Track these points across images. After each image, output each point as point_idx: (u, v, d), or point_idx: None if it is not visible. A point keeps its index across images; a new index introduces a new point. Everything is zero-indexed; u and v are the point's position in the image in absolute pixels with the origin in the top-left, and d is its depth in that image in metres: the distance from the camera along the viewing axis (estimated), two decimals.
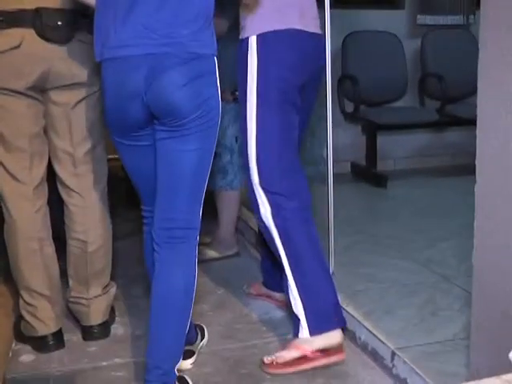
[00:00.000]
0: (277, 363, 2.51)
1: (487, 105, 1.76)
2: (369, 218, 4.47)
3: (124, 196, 4.44)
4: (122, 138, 2.21)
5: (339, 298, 2.63)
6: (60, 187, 2.69)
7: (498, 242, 1.76)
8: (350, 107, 5.51)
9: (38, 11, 2.37)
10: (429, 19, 5.96)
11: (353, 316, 2.73)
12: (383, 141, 5.73)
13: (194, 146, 2.13)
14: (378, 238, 3.81)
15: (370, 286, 3.06)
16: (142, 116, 2.10)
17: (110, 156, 2.79)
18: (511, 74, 1.68)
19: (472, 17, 5.99)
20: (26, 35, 2.38)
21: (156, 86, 2.04)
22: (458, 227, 3.85)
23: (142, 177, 2.30)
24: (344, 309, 2.76)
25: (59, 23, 2.41)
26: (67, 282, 2.79)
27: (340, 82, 5.51)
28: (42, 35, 2.39)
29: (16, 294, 2.77)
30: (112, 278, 2.86)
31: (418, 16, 5.94)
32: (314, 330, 2.52)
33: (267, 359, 2.54)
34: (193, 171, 2.16)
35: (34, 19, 2.37)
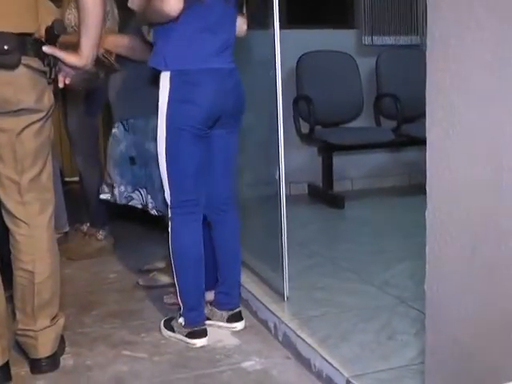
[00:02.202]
0: None
1: (435, 130, 1.74)
2: (325, 239, 4.43)
3: None
4: (204, 131, 2.77)
5: (294, 325, 2.58)
6: (6, 216, 2.60)
7: (449, 268, 1.73)
8: (305, 128, 5.48)
9: None
10: (382, 39, 5.99)
11: (307, 343, 2.66)
12: (340, 161, 5.72)
13: (237, 138, 2.96)
14: (335, 261, 3.76)
15: (325, 311, 3.00)
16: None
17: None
18: (458, 92, 1.65)
19: (422, 37, 6.05)
20: None
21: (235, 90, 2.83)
22: (415, 247, 3.75)
23: (200, 166, 2.82)
24: (298, 335, 2.70)
25: (6, 47, 2.33)
26: (14, 314, 2.69)
27: (295, 102, 5.50)
28: None
29: None
30: (61, 306, 2.78)
31: (372, 36, 5.96)
32: None
33: None
34: (236, 158, 2.99)
35: None
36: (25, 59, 2.39)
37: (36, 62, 2.41)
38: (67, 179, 5.97)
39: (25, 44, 2.39)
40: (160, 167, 2.82)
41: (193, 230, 2.86)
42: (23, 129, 2.48)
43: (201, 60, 2.71)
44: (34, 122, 2.50)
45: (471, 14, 1.58)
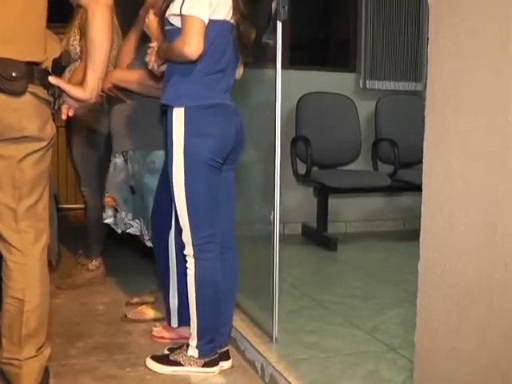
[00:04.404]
0: None
1: (431, 184, 1.75)
2: (316, 281, 4.41)
3: None
4: (221, 165, 2.84)
5: (281, 367, 2.55)
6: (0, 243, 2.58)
7: (439, 323, 1.72)
8: (302, 169, 5.49)
9: None
10: (382, 84, 6.04)
11: None
12: (335, 203, 5.73)
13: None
14: (325, 304, 3.75)
15: (313, 355, 2.97)
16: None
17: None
18: (455, 149, 1.66)
19: (421, 84, 6.10)
20: None
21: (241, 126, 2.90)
22: (406, 294, 3.80)
23: (213, 201, 2.86)
24: (285, 378, 2.68)
25: (14, 74, 2.34)
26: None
27: (293, 142, 5.51)
28: None
29: None
30: (48, 336, 2.75)
31: (372, 80, 6.01)
32: None
33: None
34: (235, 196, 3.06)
35: None
36: (31, 87, 2.40)
37: (41, 91, 2.41)
38: (62, 206, 5.97)
39: (32, 72, 2.39)
40: (177, 204, 2.83)
41: (217, 266, 2.89)
42: (24, 157, 2.47)
43: (215, 96, 2.80)
44: (35, 151, 2.49)
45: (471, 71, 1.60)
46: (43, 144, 2.50)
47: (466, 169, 1.64)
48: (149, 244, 3.54)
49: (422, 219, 1.79)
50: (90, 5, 2.42)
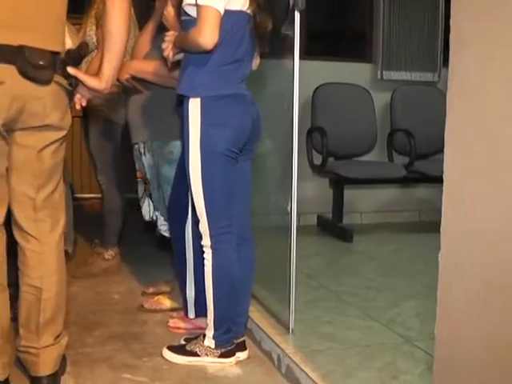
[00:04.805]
0: None
1: (452, 174, 1.73)
2: (332, 272, 4.40)
3: None
4: (237, 155, 2.84)
5: (298, 358, 2.55)
6: (16, 231, 2.58)
7: (459, 314, 1.71)
8: (318, 159, 5.48)
9: (21, 48, 2.31)
10: (398, 74, 6.01)
11: (311, 378, 2.63)
12: (350, 194, 5.71)
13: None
14: (341, 295, 3.74)
15: (330, 346, 2.97)
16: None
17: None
18: (477, 138, 1.64)
19: (438, 75, 6.07)
20: (8, 72, 2.30)
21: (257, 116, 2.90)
22: (422, 286, 3.80)
23: (232, 192, 2.87)
24: (302, 369, 2.68)
25: (41, 63, 2.34)
26: (16, 330, 2.67)
27: (309, 133, 5.50)
28: (24, 73, 2.32)
29: None
30: (65, 325, 2.76)
31: (388, 71, 5.98)
32: None
33: None
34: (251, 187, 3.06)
35: (17, 56, 2.30)
36: (56, 76, 2.42)
37: (62, 81, 2.44)
38: (77, 195, 5.99)
39: (56, 62, 2.41)
40: (194, 194, 2.82)
41: (234, 256, 2.89)
42: (44, 146, 2.48)
43: (231, 86, 2.78)
44: (55, 141, 2.51)
45: (494, 59, 1.58)
46: (63, 133, 2.52)
47: (488, 159, 1.62)
48: (167, 235, 3.55)
49: (442, 209, 1.77)
50: None
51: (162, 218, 3.54)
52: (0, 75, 2.29)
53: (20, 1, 2.32)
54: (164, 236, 3.63)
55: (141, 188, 3.71)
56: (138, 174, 3.68)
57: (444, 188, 1.78)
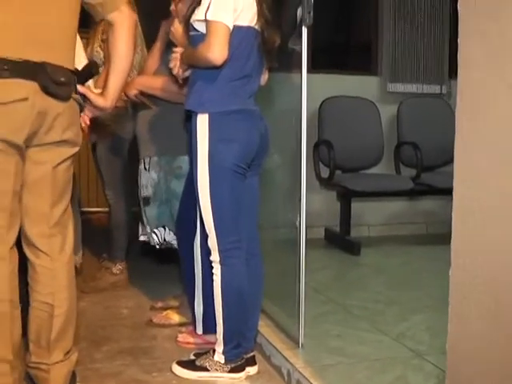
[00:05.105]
0: None
1: (462, 189, 1.73)
2: (340, 286, 4.39)
3: None
4: (245, 170, 2.83)
5: (308, 373, 2.54)
6: (27, 248, 2.58)
7: (471, 329, 1.71)
8: (325, 173, 5.48)
9: (43, 65, 2.33)
10: (405, 87, 6.02)
11: None
12: (358, 207, 5.71)
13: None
14: (349, 309, 3.74)
15: (339, 361, 2.96)
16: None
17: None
18: (486, 153, 1.64)
19: (444, 87, 6.07)
20: (30, 88, 2.32)
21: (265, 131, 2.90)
22: (431, 300, 3.79)
23: (238, 207, 2.85)
24: None
25: (62, 79, 2.37)
26: (26, 345, 2.67)
27: (316, 147, 5.50)
28: (46, 89, 2.34)
29: None
30: (74, 340, 2.76)
31: (394, 84, 5.99)
32: None
33: None
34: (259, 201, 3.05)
35: (39, 73, 2.32)
36: (73, 93, 2.44)
37: (77, 97, 2.47)
38: (84, 209, 6.00)
39: (73, 78, 2.45)
40: (202, 209, 2.83)
41: (243, 271, 2.88)
42: (60, 162, 2.50)
43: (239, 102, 2.79)
44: (69, 157, 2.53)
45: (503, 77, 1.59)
46: (76, 149, 2.55)
47: (499, 173, 1.63)
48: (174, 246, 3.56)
49: (452, 224, 1.77)
50: (118, 20, 2.47)
51: (171, 233, 3.53)
52: (23, 91, 2.32)
53: (44, 19, 2.36)
54: (171, 250, 3.63)
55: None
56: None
57: (454, 203, 1.78)
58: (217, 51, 2.60)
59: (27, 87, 2.32)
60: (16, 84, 2.31)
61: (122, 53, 2.50)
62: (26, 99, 2.31)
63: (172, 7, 3.35)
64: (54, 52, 2.39)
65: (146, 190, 3.53)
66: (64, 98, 2.41)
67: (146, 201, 3.54)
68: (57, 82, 2.36)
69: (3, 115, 2.31)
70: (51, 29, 2.38)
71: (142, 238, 3.77)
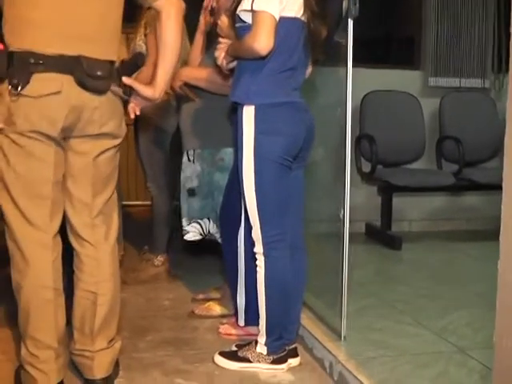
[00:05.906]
0: None
1: None
2: (382, 280, 4.39)
3: None
4: (291, 163, 2.83)
5: (350, 365, 2.54)
6: (72, 237, 2.63)
7: None
8: (366, 167, 5.46)
9: (78, 59, 2.35)
10: (447, 81, 5.96)
11: None
12: (399, 202, 5.68)
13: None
14: (391, 303, 3.73)
15: (382, 354, 2.96)
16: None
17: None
18: None
19: (487, 81, 6.00)
20: (65, 82, 2.35)
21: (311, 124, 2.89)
22: (472, 295, 3.75)
23: (286, 199, 2.87)
24: (355, 377, 2.68)
25: (99, 73, 2.39)
26: (70, 333, 2.71)
27: (357, 141, 5.49)
28: (81, 83, 2.37)
29: (18, 340, 2.68)
30: (118, 330, 2.79)
31: (436, 78, 5.94)
32: None
33: None
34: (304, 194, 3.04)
35: (75, 67, 2.35)
36: (112, 86, 2.46)
37: (119, 90, 2.48)
38: (124, 202, 6.05)
39: (112, 71, 2.47)
40: (247, 201, 2.83)
41: (287, 264, 2.88)
42: (100, 153, 2.53)
43: (284, 94, 2.78)
44: (110, 148, 2.55)
45: None
46: (118, 141, 2.57)
47: None
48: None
49: (502, 218, 1.75)
50: (165, 7, 2.47)
51: (215, 226, 3.53)
52: (56, 85, 2.34)
53: (81, 12, 2.37)
54: (213, 242, 3.64)
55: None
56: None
57: (503, 198, 1.76)
58: (263, 41, 2.59)
59: (61, 81, 2.35)
60: (50, 78, 2.34)
61: (169, 42, 2.50)
62: (58, 92, 2.34)
63: (214, 4, 3.36)
64: (92, 45, 2.40)
65: (190, 182, 3.53)
66: (101, 92, 2.43)
67: (191, 192, 3.54)
68: (93, 75, 2.38)
69: (37, 108, 2.35)
70: (90, 21, 2.40)
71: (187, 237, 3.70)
